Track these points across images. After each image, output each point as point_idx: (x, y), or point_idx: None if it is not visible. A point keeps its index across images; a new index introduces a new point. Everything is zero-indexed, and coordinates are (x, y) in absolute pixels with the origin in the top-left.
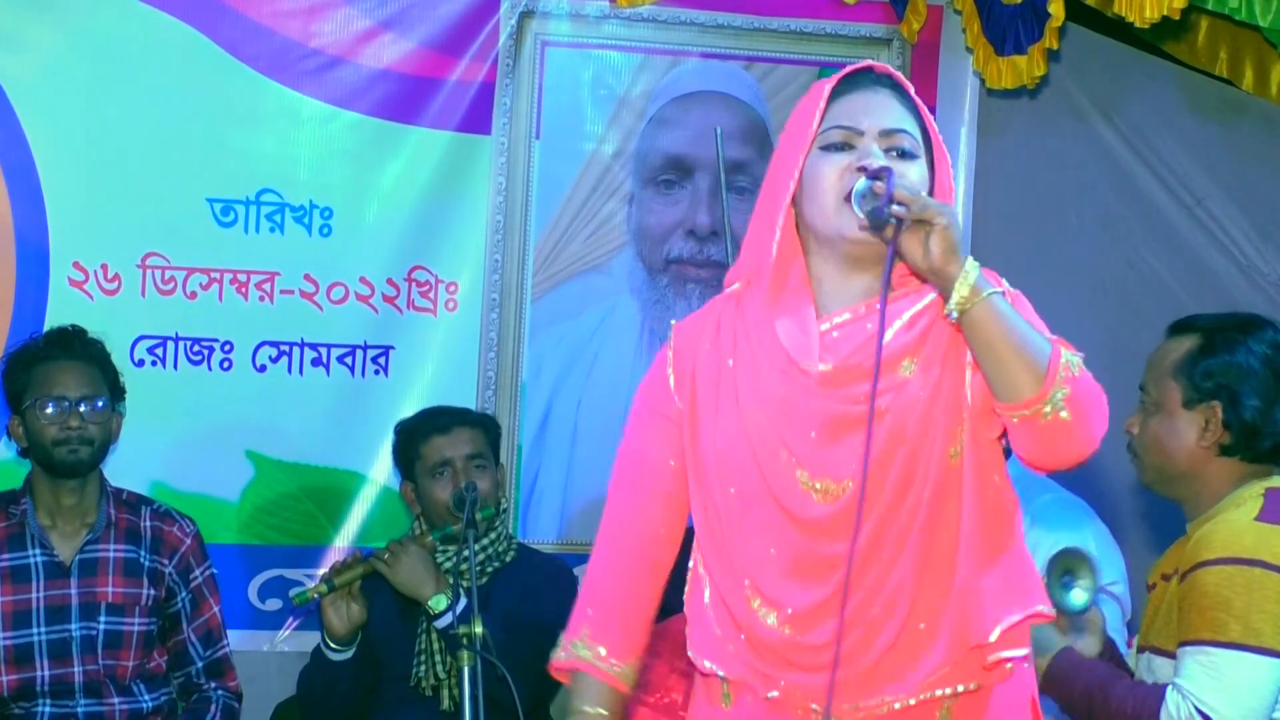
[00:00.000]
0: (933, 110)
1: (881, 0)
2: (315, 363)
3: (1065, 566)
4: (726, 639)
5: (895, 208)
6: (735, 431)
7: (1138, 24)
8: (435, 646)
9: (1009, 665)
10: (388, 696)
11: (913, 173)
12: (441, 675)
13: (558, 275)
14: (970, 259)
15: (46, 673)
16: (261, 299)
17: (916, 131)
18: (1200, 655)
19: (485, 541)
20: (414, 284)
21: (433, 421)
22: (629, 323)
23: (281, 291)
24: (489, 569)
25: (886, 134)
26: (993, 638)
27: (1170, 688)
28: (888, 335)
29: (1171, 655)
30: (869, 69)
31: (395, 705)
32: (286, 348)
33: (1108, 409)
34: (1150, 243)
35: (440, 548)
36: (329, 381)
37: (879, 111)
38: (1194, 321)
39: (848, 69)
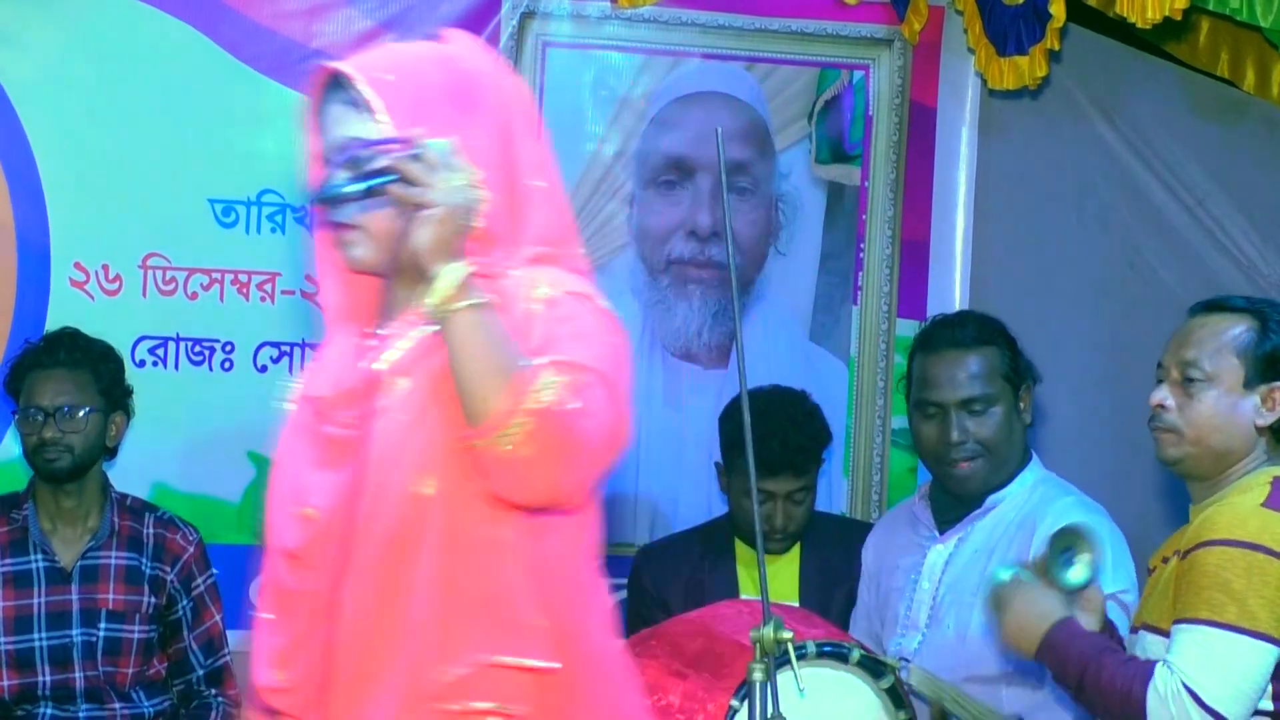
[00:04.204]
0: (934, 111)
1: (883, 1)
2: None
3: (1065, 543)
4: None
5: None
6: None
7: (1139, 25)
8: None
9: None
10: None
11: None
12: None
13: None
14: (462, 263)
15: (48, 678)
16: (263, 299)
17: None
18: (1194, 633)
19: None
20: None
21: None
22: (630, 323)
23: (283, 292)
24: None
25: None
26: (430, 688)
27: (1160, 663)
28: (388, 356)
29: (1167, 634)
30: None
31: None
32: (288, 348)
33: (598, 453)
34: (1151, 243)
35: None
36: None
37: (340, 124)
38: (1227, 302)
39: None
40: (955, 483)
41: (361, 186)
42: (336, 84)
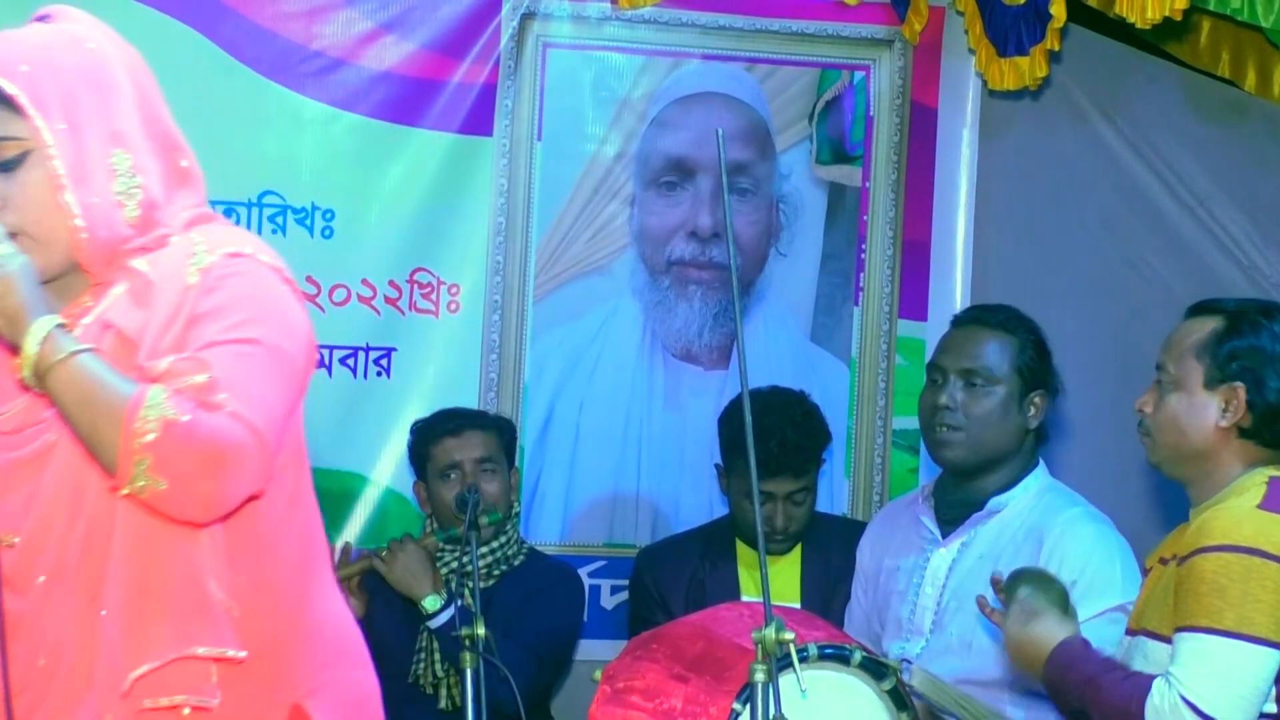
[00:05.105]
0: (935, 111)
1: (883, 1)
2: (318, 364)
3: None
4: None
5: None
6: None
7: (1139, 25)
8: (434, 646)
9: (186, 712)
10: (388, 694)
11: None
12: (440, 674)
13: (560, 277)
14: (45, 318)
15: None
16: None
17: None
18: (1193, 642)
19: (494, 545)
20: (416, 286)
21: (445, 423)
22: (631, 324)
23: None
24: (495, 572)
25: None
26: (124, 686)
27: (1159, 678)
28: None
29: (1166, 640)
30: None
31: (395, 703)
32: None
33: (232, 453)
34: (1152, 244)
35: (446, 549)
36: (331, 383)
37: None
38: (1215, 304)
39: None
40: (934, 451)
41: None
42: None
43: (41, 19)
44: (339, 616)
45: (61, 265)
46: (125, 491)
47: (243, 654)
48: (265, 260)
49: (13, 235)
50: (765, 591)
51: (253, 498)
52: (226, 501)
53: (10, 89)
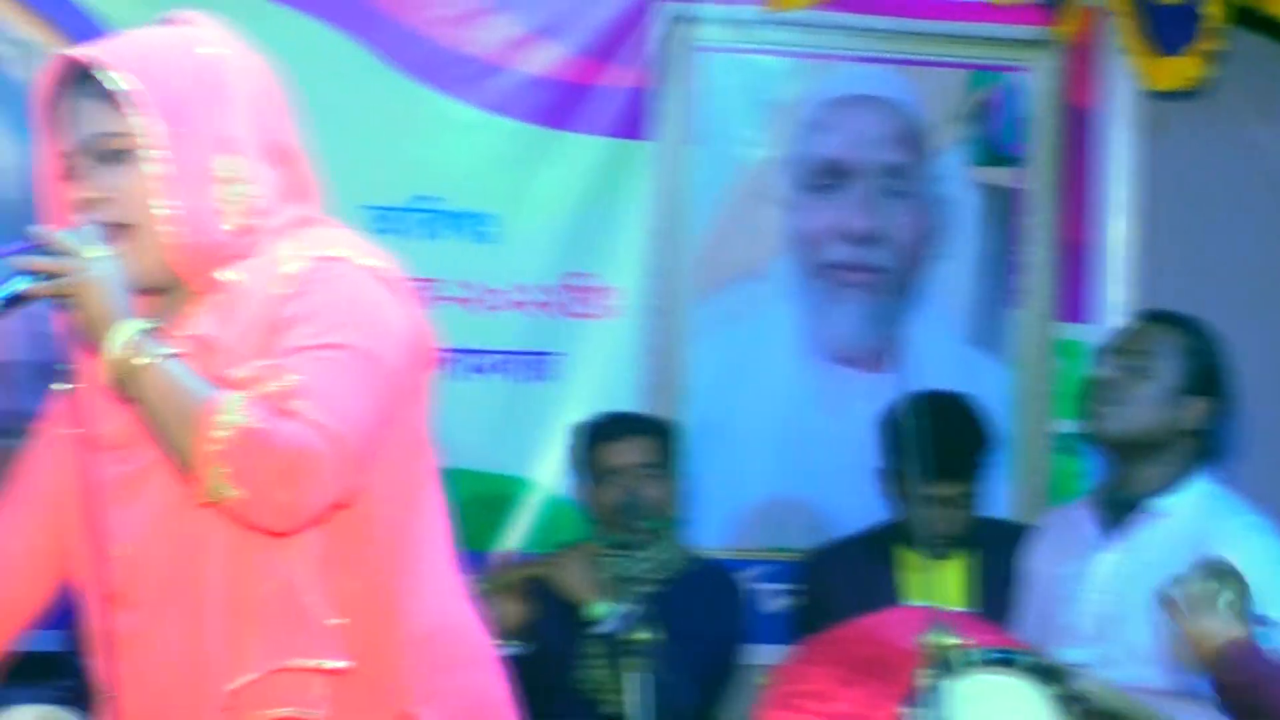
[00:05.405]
0: (1091, 112)
1: (1035, 1)
2: (475, 369)
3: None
4: None
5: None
6: None
7: None
8: (598, 652)
9: None
10: (552, 700)
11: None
12: (604, 681)
13: (716, 280)
14: (128, 323)
15: None
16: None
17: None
18: None
19: (655, 550)
20: (573, 290)
21: (607, 427)
22: (788, 328)
23: (439, 298)
24: (658, 577)
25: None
26: (223, 699)
27: None
28: None
29: None
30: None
31: (559, 709)
32: (445, 354)
33: (306, 461)
34: None
35: (608, 554)
36: (489, 388)
37: (91, 120)
38: None
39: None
40: (1091, 428)
41: None
42: (84, 76)
43: (169, 21)
44: (458, 620)
45: (161, 269)
46: (204, 499)
47: (342, 664)
48: (363, 263)
49: (117, 231)
50: (931, 596)
51: (340, 505)
52: (304, 511)
53: (120, 85)
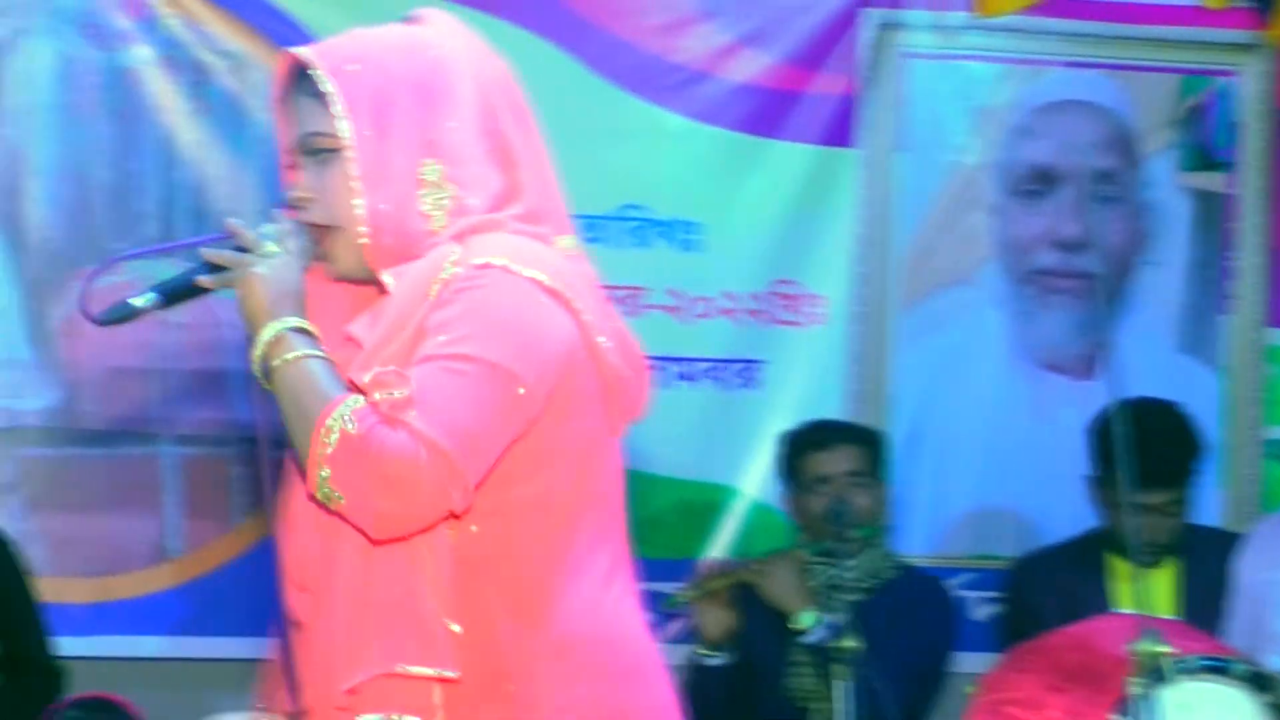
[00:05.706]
0: None
1: (1246, 5)
2: (682, 377)
3: None
4: None
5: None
6: None
7: None
8: (805, 661)
9: None
10: (759, 708)
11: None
12: (811, 690)
13: (923, 287)
14: (280, 320)
15: None
16: (625, 314)
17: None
18: None
19: (863, 558)
20: (780, 297)
21: (815, 435)
22: (996, 335)
23: (645, 306)
24: (866, 585)
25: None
26: (335, 699)
27: None
28: None
29: None
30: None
31: (767, 717)
32: (652, 362)
33: (404, 472)
34: None
35: (816, 562)
36: (697, 395)
37: (306, 118)
38: None
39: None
40: None
41: (150, 299)
42: (305, 75)
43: (409, 20)
44: (615, 632)
45: (362, 269)
46: (318, 499)
47: (456, 674)
48: (522, 272)
49: (320, 230)
50: (1141, 604)
51: (452, 516)
52: (406, 521)
53: (328, 86)
